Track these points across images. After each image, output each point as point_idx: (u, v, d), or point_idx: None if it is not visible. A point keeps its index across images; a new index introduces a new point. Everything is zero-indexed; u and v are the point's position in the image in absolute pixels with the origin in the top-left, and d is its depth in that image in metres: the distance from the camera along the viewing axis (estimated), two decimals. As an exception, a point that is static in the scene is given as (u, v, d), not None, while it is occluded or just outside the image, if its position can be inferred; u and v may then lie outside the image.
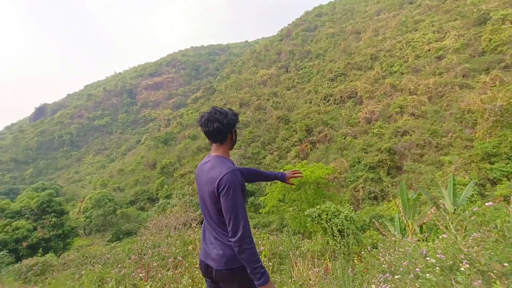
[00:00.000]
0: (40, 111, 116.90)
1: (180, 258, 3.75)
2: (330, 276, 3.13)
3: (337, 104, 40.97)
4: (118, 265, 4.45)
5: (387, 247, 4.47)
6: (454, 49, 35.33)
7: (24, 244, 17.28)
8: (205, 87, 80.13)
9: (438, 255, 2.50)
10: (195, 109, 70.43)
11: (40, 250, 15.59)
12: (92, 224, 29.76)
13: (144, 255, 4.39)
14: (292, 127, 38.88)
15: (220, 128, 1.46)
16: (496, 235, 1.84)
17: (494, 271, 1.75)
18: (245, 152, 36.14)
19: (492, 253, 1.77)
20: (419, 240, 7.14)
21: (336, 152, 30.09)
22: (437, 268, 1.81)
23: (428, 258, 2.57)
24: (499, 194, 12.91)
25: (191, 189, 31.03)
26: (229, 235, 1.36)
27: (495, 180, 18.38)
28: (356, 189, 24.34)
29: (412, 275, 2.05)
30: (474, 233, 2.11)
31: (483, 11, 36.30)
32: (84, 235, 31.26)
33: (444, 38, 38.91)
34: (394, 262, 3.34)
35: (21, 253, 16.30)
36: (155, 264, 3.61)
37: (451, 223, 8.12)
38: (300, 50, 70.30)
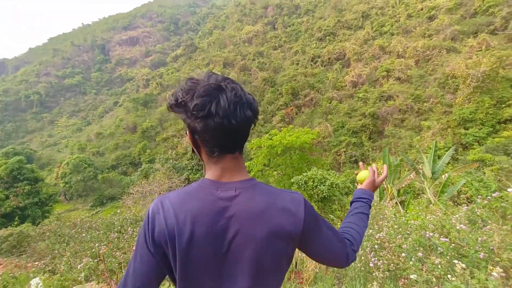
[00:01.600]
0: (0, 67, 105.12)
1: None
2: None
3: (325, 66, 39.75)
4: (96, 244, 4.09)
5: (375, 218, 4.34)
6: (447, 9, 34.09)
7: (-3, 213, 16.43)
8: (185, 44, 74.17)
9: (442, 238, 2.34)
10: (176, 68, 66.04)
11: (16, 219, 15.05)
12: (72, 190, 29.11)
13: (123, 234, 4.06)
14: (278, 90, 37.83)
15: (253, 120, 0.72)
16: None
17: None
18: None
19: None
20: (396, 203, 7.41)
21: (321, 117, 30.06)
22: (461, 267, 1.59)
23: (432, 241, 2.41)
24: (471, 159, 13.60)
25: (174, 153, 30.52)
26: (340, 264, 0.82)
27: (466, 145, 19.43)
28: (338, 153, 24.99)
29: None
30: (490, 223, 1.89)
31: (480, -33, 34.37)
32: (65, 200, 30.75)
33: (438, -4, 37.18)
34: (387, 238, 3.23)
35: (-6, 223, 15.56)
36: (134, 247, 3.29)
37: (429, 188, 8.30)
38: (289, 5, 65.22)
